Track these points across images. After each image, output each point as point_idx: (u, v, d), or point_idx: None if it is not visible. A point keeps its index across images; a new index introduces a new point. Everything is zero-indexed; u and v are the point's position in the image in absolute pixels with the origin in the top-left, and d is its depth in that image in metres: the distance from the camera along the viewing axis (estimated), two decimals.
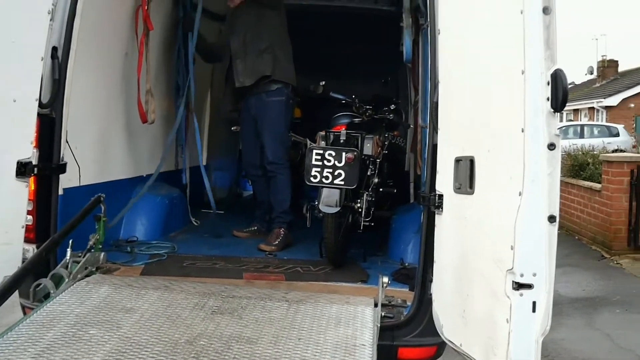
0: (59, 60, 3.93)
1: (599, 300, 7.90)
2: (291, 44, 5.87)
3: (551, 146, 2.75)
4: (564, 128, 28.64)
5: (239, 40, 5.71)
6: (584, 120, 36.36)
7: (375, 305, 3.65)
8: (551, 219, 2.77)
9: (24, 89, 3.69)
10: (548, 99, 2.74)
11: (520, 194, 2.77)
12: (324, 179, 4.65)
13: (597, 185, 10.88)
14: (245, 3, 5.70)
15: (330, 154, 4.68)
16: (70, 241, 3.85)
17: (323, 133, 5.18)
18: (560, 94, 2.73)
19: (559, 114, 2.82)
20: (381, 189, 5.42)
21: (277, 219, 5.63)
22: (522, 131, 2.77)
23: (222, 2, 6.12)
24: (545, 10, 2.76)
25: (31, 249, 3.82)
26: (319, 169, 4.67)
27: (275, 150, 5.67)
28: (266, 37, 5.64)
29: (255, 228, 5.91)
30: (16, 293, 3.45)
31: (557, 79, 2.73)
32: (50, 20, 3.82)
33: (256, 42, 5.63)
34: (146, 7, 5.28)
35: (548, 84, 2.74)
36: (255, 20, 5.66)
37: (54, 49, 3.90)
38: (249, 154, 6.04)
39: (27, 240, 3.81)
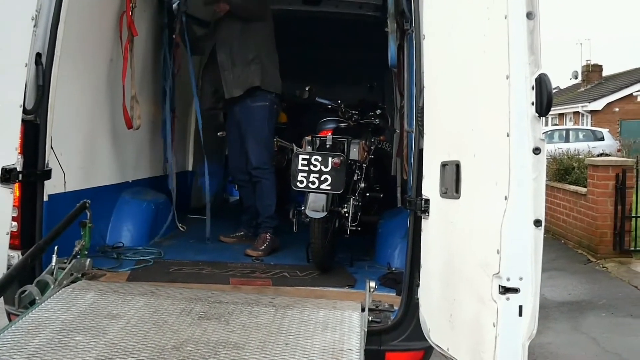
0: (43, 67, 3.91)
1: (585, 304, 7.94)
2: (277, 50, 5.87)
3: (536, 150, 2.77)
4: (549, 132, 28.80)
5: (225, 51, 5.70)
6: (569, 125, 36.59)
7: (363, 309, 3.65)
8: (537, 223, 2.78)
9: (8, 95, 3.67)
10: (533, 104, 2.76)
11: (506, 198, 2.78)
12: (310, 184, 4.66)
13: (583, 189, 10.94)
14: (230, 14, 5.69)
15: (316, 159, 4.68)
16: (56, 247, 3.83)
17: (309, 138, 5.18)
18: (545, 98, 2.74)
19: (543, 118, 2.84)
20: (368, 194, 5.43)
21: (263, 224, 5.63)
22: (508, 136, 2.78)
23: (207, 9, 6.12)
24: (529, 15, 2.77)
25: (16, 256, 3.80)
26: (305, 174, 4.67)
27: (259, 155, 5.67)
28: (253, 47, 5.64)
29: (242, 233, 5.90)
30: (1, 299, 3.43)
31: (541, 83, 2.75)
32: (34, 26, 3.81)
33: (243, 53, 5.63)
34: (130, 13, 5.27)
35: (533, 88, 2.75)
36: (240, 31, 5.66)
37: (38, 55, 3.88)
38: (235, 159, 6.04)
39: (12, 246, 3.78)
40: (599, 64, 42.29)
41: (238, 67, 5.64)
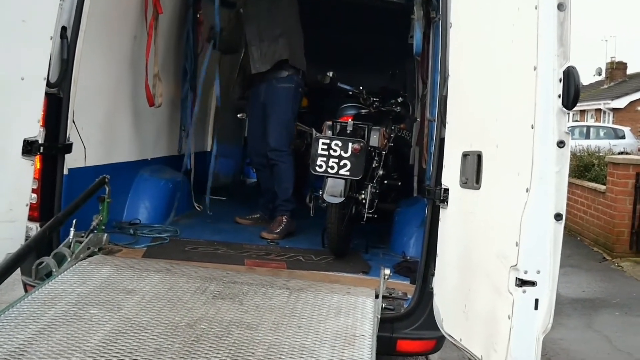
0: (68, 40, 3.91)
1: (598, 302, 7.89)
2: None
3: (560, 144, 2.73)
4: (570, 128, 28.50)
5: (253, 28, 5.71)
6: (590, 122, 36.24)
7: (376, 296, 3.65)
8: (557, 216, 2.75)
9: (32, 68, 3.68)
10: (559, 96, 2.72)
11: (527, 190, 2.75)
12: (329, 169, 4.65)
13: (602, 187, 10.84)
14: None
15: (336, 144, 4.67)
16: (74, 221, 3.85)
17: (330, 123, 5.17)
18: (572, 91, 2.70)
19: (569, 111, 2.81)
20: (385, 181, 5.41)
21: (279, 207, 5.63)
22: (532, 128, 2.75)
23: None
24: (560, 7, 2.73)
25: (35, 228, 3.83)
26: (324, 159, 4.66)
27: (278, 137, 5.66)
28: (280, 23, 5.64)
29: (258, 215, 5.92)
30: (18, 270, 3.45)
31: (569, 76, 2.71)
32: (61, 0, 3.81)
33: (270, 29, 5.63)
34: None
35: (560, 81, 2.71)
36: (267, 8, 5.66)
37: (64, 28, 3.89)
38: (254, 142, 6.04)
39: (31, 218, 3.81)
40: (624, 61, 41.76)
41: (265, 42, 5.64)
